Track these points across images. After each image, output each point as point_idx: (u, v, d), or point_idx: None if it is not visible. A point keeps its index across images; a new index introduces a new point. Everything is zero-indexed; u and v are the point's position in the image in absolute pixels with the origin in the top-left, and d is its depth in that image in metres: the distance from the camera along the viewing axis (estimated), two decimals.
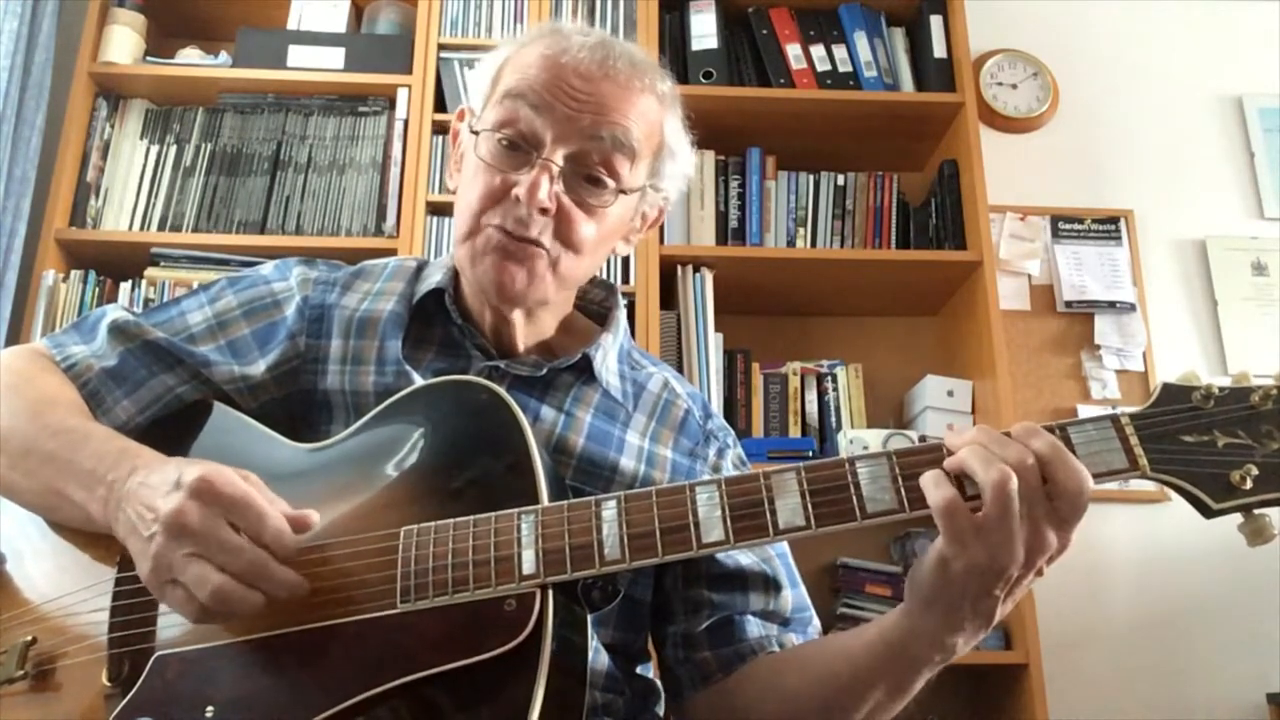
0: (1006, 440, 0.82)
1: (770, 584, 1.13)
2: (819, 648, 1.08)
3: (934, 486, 0.82)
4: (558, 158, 1.07)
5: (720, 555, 1.12)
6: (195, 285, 1.23)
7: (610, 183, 1.10)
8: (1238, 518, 0.82)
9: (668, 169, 1.17)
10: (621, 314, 1.24)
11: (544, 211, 1.06)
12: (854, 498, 0.85)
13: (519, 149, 1.08)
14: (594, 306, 1.29)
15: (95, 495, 0.94)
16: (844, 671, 0.99)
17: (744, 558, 1.13)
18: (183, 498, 0.85)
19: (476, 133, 1.10)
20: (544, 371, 1.13)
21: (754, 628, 1.10)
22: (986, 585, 0.84)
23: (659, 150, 1.15)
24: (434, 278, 1.18)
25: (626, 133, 1.09)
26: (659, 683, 1.16)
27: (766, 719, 1.04)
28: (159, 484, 0.88)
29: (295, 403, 1.12)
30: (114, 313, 1.15)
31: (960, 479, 0.82)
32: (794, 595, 1.15)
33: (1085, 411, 2.84)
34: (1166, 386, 0.86)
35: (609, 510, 0.88)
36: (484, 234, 1.09)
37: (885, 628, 0.95)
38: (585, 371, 1.16)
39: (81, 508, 0.95)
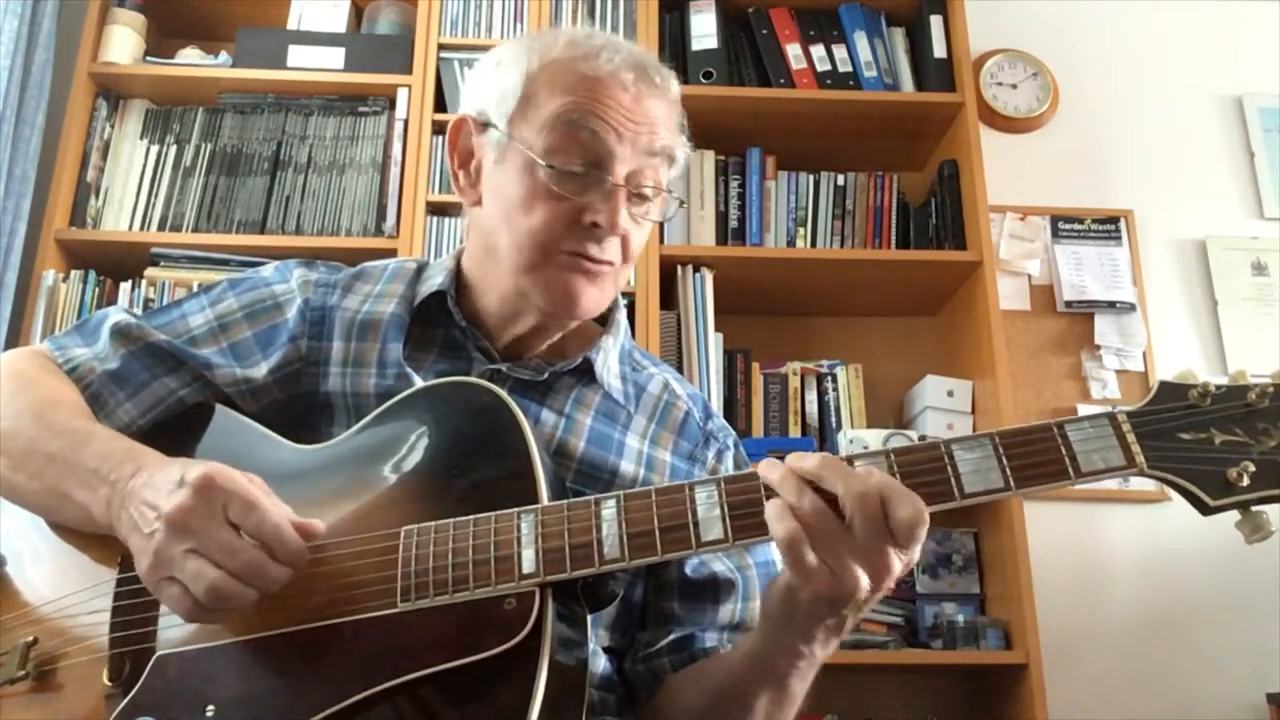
0: (848, 473, 0.82)
1: (742, 594, 1.14)
2: (712, 663, 1.08)
3: (776, 519, 0.82)
4: (621, 179, 1.07)
5: (692, 564, 1.12)
6: (195, 285, 1.23)
7: (654, 194, 1.12)
8: (1235, 515, 0.82)
9: (676, 169, 1.18)
10: (622, 315, 1.24)
11: (621, 235, 1.08)
12: None
13: (581, 174, 1.07)
14: None
15: (98, 495, 0.94)
16: (725, 686, 1.01)
17: (718, 564, 1.13)
18: (185, 495, 0.86)
19: (548, 166, 1.06)
20: (545, 375, 1.13)
21: (711, 640, 1.11)
22: (835, 609, 0.85)
23: (678, 148, 1.16)
24: (435, 279, 1.18)
25: (669, 145, 1.11)
26: None
27: None
28: (162, 483, 0.89)
29: (297, 405, 1.12)
30: (116, 315, 1.15)
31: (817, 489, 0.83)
32: None
33: (1085, 412, 2.83)
34: (1164, 385, 0.87)
35: (608, 509, 0.88)
36: (557, 260, 1.08)
37: (752, 644, 0.98)
38: (586, 374, 1.16)
39: (84, 508, 0.96)
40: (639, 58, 1.11)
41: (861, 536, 0.80)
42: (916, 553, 0.83)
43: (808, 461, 0.84)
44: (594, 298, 1.11)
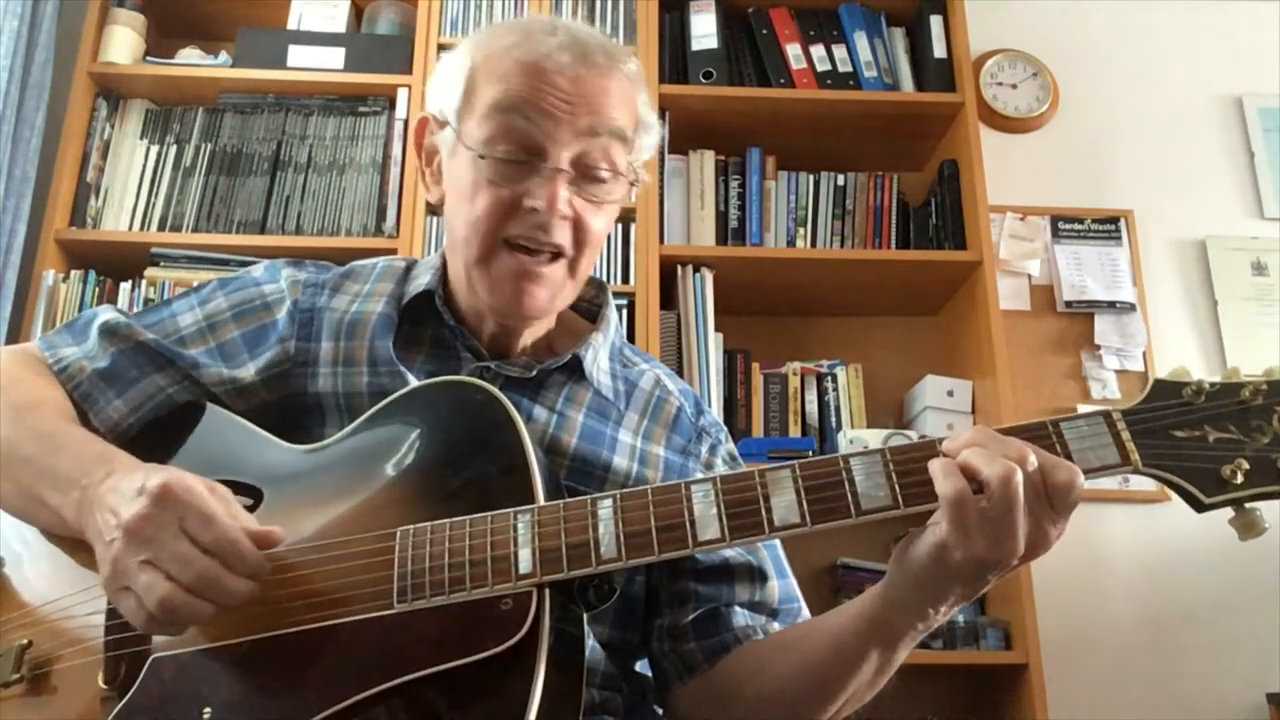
0: (1007, 439, 0.83)
1: (756, 575, 1.13)
2: (803, 630, 1.08)
3: (943, 476, 0.82)
4: (564, 164, 1.07)
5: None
6: (193, 285, 1.23)
7: (611, 175, 1.11)
8: (1229, 512, 0.82)
9: (643, 141, 1.17)
10: (612, 312, 1.24)
11: (564, 218, 1.07)
12: (849, 494, 0.85)
13: (520, 161, 1.08)
14: (584, 304, 1.28)
15: (69, 499, 0.93)
16: (829, 649, 0.99)
17: (729, 550, 1.13)
18: (144, 504, 0.85)
19: (483, 157, 1.08)
20: (534, 373, 1.13)
21: (740, 618, 1.10)
22: (982, 573, 0.85)
23: (636, 127, 1.15)
24: (422, 279, 1.18)
25: (618, 124, 1.10)
26: None
27: (754, 703, 1.04)
28: (126, 489, 0.88)
29: (286, 406, 1.12)
30: (106, 314, 1.15)
31: (965, 474, 0.82)
32: (781, 586, 1.15)
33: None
34: (1158, 383, 0.87)
35: (605, 509, 0.88)
36: (500, 259, 1.09)
37: (866, 604, 0.95)
38: (576, 371, 1.16)
39: (56, 512, 0.95)
40: (580, 39, 1.10)
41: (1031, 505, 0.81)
42: (1066, 525, 0.83)
43: (959, 441, 0.84)
44: (541, 298, 1.10)
